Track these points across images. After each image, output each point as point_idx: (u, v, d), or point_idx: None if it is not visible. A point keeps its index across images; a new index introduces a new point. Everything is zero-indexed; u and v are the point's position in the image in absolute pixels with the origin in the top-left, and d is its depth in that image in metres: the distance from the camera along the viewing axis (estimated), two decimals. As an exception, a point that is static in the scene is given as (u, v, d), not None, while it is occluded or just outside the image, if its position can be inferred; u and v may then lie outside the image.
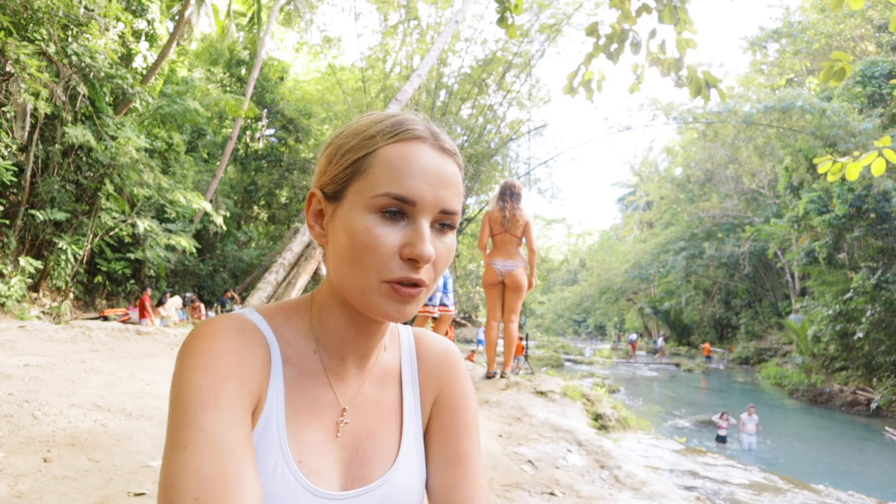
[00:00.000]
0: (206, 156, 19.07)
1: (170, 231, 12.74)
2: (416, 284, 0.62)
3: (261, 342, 0.64)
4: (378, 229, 0.61)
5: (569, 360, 24.44)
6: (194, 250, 13.74)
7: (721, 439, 10.56)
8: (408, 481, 0.72)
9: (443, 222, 0.64)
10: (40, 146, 10.03)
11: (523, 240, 5.05)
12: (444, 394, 0.79)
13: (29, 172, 9.90)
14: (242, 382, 0.59)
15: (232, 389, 0.57)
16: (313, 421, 0.67)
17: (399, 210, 0.62)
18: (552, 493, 2.69)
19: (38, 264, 10.04)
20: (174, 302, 11.69)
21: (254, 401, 0.61)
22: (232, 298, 14.24)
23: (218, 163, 17.24)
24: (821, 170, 2.71)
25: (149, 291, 10.82)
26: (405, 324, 0.80)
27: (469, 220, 20.05)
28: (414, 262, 0.61)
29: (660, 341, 29.00)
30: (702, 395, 19.35)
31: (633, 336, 32.51)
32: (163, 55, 12.23)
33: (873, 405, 14.64)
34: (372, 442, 0.71)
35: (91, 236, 11.07)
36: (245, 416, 0.57)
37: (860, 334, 15.23)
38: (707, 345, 28.74)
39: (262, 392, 0.62)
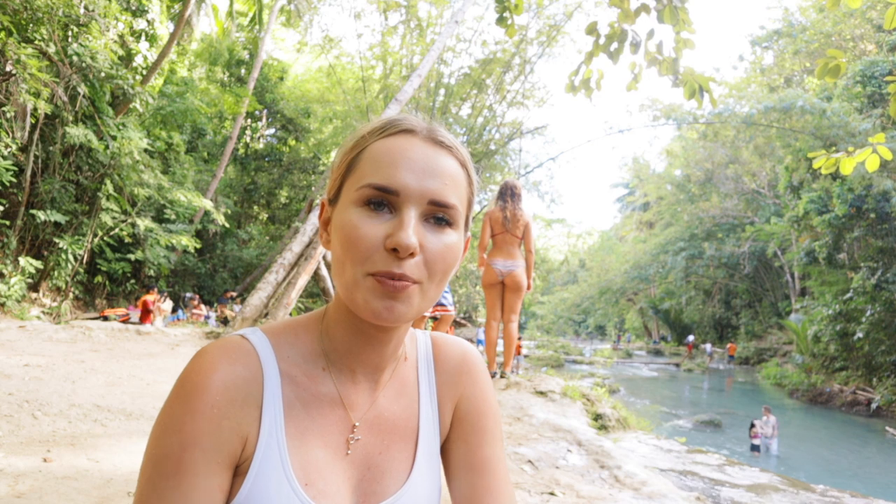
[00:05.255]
0: (206, 156, 19.07)
1: (170, 231, 12.74)
2: (402, 279, 0.59)
3: (253, 371, 0.63)
4: (361, 221, 0.60)
5: (569, 361, 24.45)
6: (194, 250, 13.73)
7: (755, 448, 10.46)
8: (422, 494, 0.70)
9: (437, 216, 0.62)
10: (40, 146, 10.03)
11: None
12: (463, 400, 0.77)
13: (29, 172, 9.90)
14: (214, 438, 0.59)
15: (198, 455, 0.57)
16: (320, 440, 0.65)
17: (383, 201, 0.60)
18: (552, 493, 2.69)
19: (38, 264, 10.04)
20: (167, 305, 11.69)
21: (232, 448, 0.60)
22: (232, 298, 14.25)
23: (218, 163, 17.25)
24: (816, 164, 2.74)
25: (154, 291, 10.78)
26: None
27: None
28: (396, 252, 0.58)
29: (708, 347, 28.96)
30: (702, 395, 19.36)
31: (691, 337, 32.05)
32: (163, 55, 12.22)
33: (873, 405, 14.64)
34: (385, 457, 0.69)
35: (91, 236, 11.07)
36: (207, 480, 0.58)
37: (860, 334, 15.24)
38: (732, 345, 28.86)
39: (249, 428, 0.62)
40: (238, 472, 0.61)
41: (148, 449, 0.59)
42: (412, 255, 0.59)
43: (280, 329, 0.69)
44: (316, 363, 0.68)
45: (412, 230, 0.59)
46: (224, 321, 12.39)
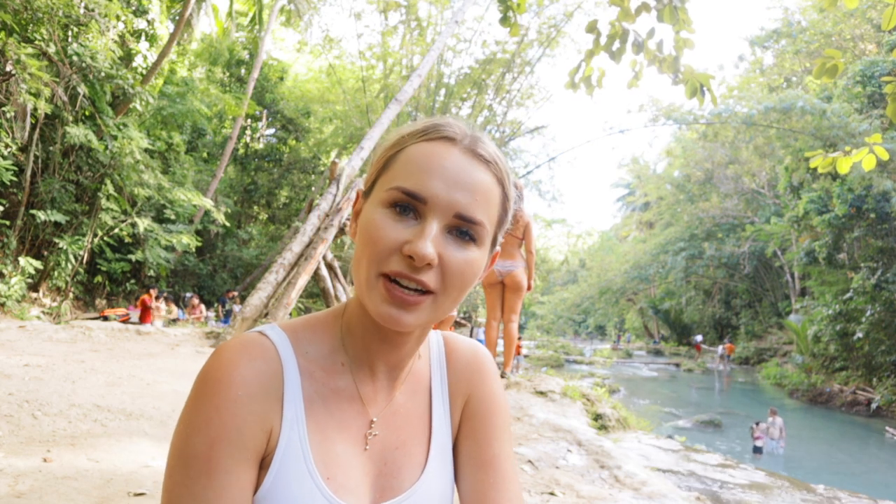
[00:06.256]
0: (206, 156, 19.07)
1: (170, 231, 12.74)
2: (419, 290, 0.59)
3: (273, 367, 0.63)
4: (384, 222, 0.60)
5: (569, 360, 24.45)
6: (195, 249, 13.73)
7: (757, 450, 10.39)
8: (435, 490, 0.71)
9: (461, 230, 0.61)
10: (40, 146, 10.03)
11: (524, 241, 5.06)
12: (473, 398, 0.78)
13: (29, 172, 9.90)
14: (241, 433, 0.58)
15: (227, 451, 0.57)
16: (340, 435, 0.66)
17: (409, 206, 0.60)
18: (552, 493, 2.68)
19: (38, 264, 10.04)
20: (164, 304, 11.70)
21: (258, 442, 0.60)
22: (232, 298, 14.26)
23: (218, 163, 17.25)
24: (812, 164, 2.76)
25: (153, 292, 10.78)
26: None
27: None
28: (412, 260, 0.58)
29: (720, 349, 28.89)
30: (702, 395, 19.35)
31: (699, 337, 31.79)
32: (163, 55, 12.22)
33: (873, 405, 14.64)
34: (401, 453, 0.70)
35: (91, 236, 11.07)
36: (238, 477, 0.58)
37: (860, 334, 15.23)
38: (730, 345, 28.84)
39: (272, 422, 0.62)
40: (260, 465, 0.62)
41: (174, 449, 0.58)
42: (428, 265, 0.59)
43: (299, 325, 0.70)
44: (334, 359, 0.69)
45: (430, 241, 0.58)
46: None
